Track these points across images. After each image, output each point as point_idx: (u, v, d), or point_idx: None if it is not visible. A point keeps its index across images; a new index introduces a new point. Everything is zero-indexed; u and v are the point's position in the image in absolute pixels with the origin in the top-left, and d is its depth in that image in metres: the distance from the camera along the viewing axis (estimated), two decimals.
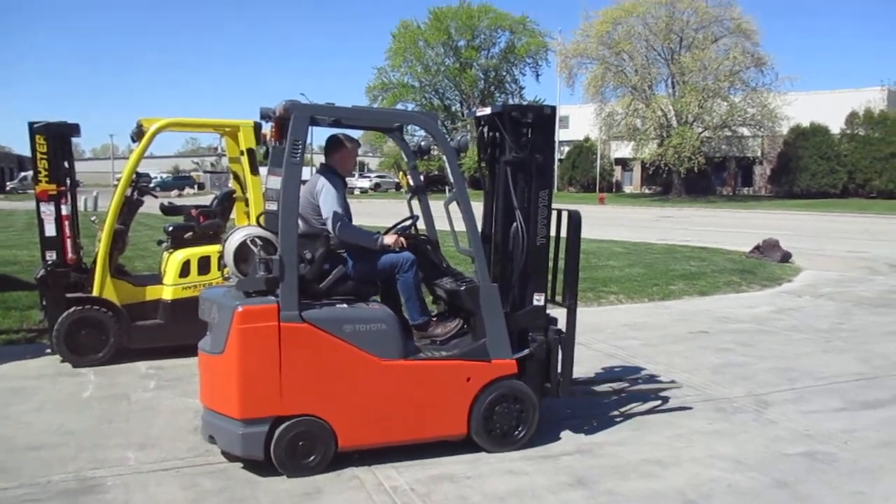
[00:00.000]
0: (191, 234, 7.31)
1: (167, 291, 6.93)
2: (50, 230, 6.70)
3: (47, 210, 6.68)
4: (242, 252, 4.37)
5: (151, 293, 6.98)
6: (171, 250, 7.20)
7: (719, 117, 44.15)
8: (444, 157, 4.56)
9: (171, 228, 7.36)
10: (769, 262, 14.27)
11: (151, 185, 56.39)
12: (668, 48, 45.28)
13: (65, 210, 6.73)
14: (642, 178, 55.44)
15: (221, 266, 4.71)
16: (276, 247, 4.37)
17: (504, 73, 58.86)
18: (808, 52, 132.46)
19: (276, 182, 4.82)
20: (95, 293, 6.69)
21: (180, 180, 62.64)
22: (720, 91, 43.46)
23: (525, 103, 5.90)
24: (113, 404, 5.63)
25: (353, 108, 4.60)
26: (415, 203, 5.34)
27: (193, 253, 7.00)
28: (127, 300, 6.85)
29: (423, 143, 5.22)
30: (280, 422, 4.22)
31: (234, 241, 4.42)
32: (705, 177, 47.75)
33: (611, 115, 46.90)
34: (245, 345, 4.14)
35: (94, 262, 6.93)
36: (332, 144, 4.83)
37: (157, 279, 7.18)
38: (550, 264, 5.06)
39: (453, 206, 4.67)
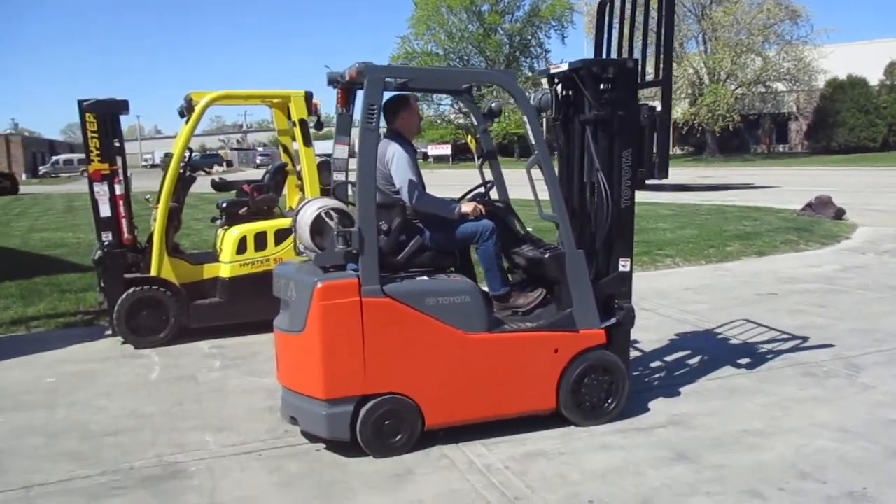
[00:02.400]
0: (245, 209, 7.14)
1: (225, 269, 6.79)
2: (105, 210, 6.57)
3: (101, 190, 6.54)
4: (317, 225, 4.17)
5: (209, 271, 6.84)
6: (226, 227, 7.04)
7: (753, 73, 43.00)
8: (525, 118, 4.28)
9: (224, 205, 7.19)
10: (823, 218, 13.84)
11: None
12: (699, 4, 44.05)
13: (118, 189, 6.59)
14: (674, 138, 54.35)
15: (294, 240, 4.52)
16: (352, 218, 4.16)
17: (529, 37, 57.71)
18: (843, 1, 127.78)
19: (343, 151, 4.63)
20: (153, 273, 6.57)
21: (208, 158, 62.75)
22: (754, 46, 42.25)
23: (604, 58, 5.66)
24: (181, 386, 5.52)
25: (427, 68, 4.43)
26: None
27: (249, 229, 6.84)
28: (185, 279, 6.72)
29: (493, 105, 4.95)
30: (365, 401, 4.05)
31: (308, 214, 4.22)
32: (739, 135, 46.70)
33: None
34: (327, 322, 3.96)
35: (149, 241, 6.81)
36: (396, 104, 4.50)
37: (213, 257, 7.04)
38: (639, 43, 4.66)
39: (535, 171, 4.40)
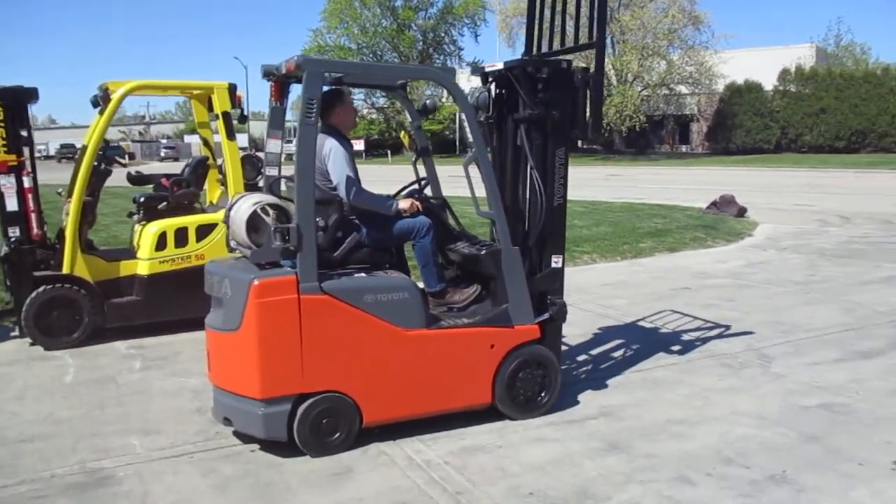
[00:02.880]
0: (164, 204, 6.88)
1: (143, 266, 6.53)
2: (11, 204, 6.20)
3: (7, 183, 6.18)
4: (253, 221, 4.07)
5: (125, 268, 6.56)
6: (143, 222, 6.77)
7: (658, 76, 44.61)
8: (463, 116, 4.31)
9: (142, 199, 6.92)
10: (727, 216, 14.51)
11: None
12: (609, 7, 45.32)
13: (27, 182, 6.24)
14: None
15: (226, 237, 4.39)
16: (289, 215, 4.09)
17: (442, 34, 57.87)
18: (741, 9, 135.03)
19: (275, 145, 4.54)
20: (66, 270, 6.25)
21: (109, 150, 59.97)
22: (659, 49, 43.83)
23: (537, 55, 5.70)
24: (100, 388, 5.28)
25: (365, 63, 4.36)
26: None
27: (169, 224, 6.59)
28: (99, 277, 6.43)
29: (428, 102, 4.98)
30: (303, 399, 3.99)
31: (243, 209, 4.10)
32: (644, 135, 48.39)
33: None
34: (264, 320, 3.88)
35: (59, 237, 6.49)
36: (331, 99, 4.40)
37: (129, 253, 6.76)
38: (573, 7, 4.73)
39: (472, 168, 4.44)
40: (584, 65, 4.98)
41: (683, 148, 51.93)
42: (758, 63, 45.81)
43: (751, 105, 46.18)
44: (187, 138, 75.00)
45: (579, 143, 5.05)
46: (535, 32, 5.10)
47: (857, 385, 5.15)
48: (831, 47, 58.78)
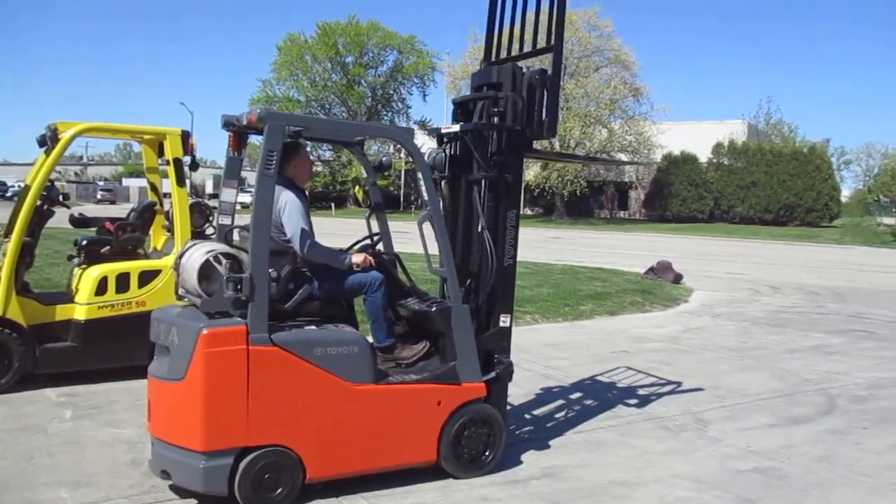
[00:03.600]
0: (108, 248, 6.74)
1: (81, 311, 6.33)
2: None
3: None
4: (206, 270, 4.03)
5: (62, 313, 6.35)
6: (84, 266, 6.60)
7: (599, 143, 46.02)
8: (419, 174, 4.41)
9: (84, 242, 6.75)
10: (664, 282, 14.92)
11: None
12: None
13: None
14: (525, 199, 56.90)
15: (175, 284, 4.33)
16: (242, 264, 4.08)
17: (391, 92, 58.94)
18: (678, 85, 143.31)
19: (230, 195, 4.54)
20: None
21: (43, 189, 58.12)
22: (601, 118, 45.37)
23: (494, 122, 5.76)
24: (28, 437, 5.06)
25: (325, 119, 4.43)
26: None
27: (111, 269, 6.44)
28: (34, 320, 6.20)
29: (384, 159, 5.07)
30: (245, 453, 3.91)
31: (195, 257, 4.07)
32: (585, 200, 49.68)
33: None
34: (211, 370, 3.82)
35: None
36: (288, 151, 4.38)
37: (67, 297, 6.56)
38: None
39: (426, 225, 4.52)
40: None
41: (622, 214, 53.45)
42: (693, 136, 47.91)
43: (686, 175, 48.08)
44: (126, 181, 73.51)
45: (534, 143, 5.09)
46: (494, 39, 5.21)
47: (788, 450, 5.32)
48: (761, 124, 61.94)
